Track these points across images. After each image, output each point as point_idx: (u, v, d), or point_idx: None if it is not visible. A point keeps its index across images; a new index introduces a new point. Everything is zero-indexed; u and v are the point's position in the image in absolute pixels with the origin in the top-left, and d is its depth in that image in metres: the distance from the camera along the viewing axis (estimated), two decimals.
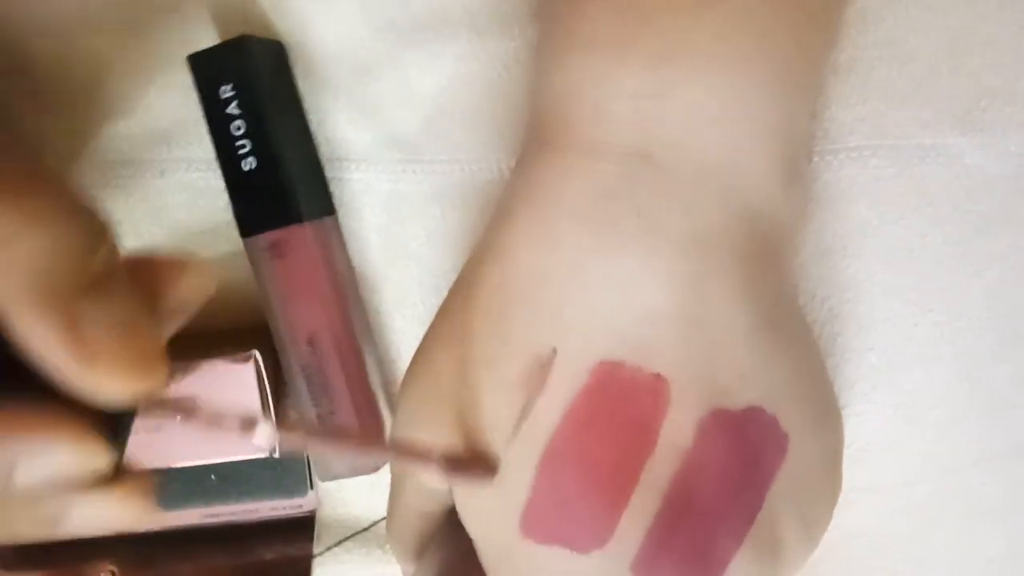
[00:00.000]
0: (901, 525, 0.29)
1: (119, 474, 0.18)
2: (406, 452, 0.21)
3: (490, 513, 0.22)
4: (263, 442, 0.18)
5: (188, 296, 0.19)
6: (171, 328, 0.19)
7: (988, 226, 0.27)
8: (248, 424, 0.18)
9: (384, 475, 0.32)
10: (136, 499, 0.18)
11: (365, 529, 0.33)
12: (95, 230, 0.17)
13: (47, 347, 0.15)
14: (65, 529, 0.18)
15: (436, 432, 0.23)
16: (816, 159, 0.27)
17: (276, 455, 0.29)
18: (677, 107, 0.21)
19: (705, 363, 0.21)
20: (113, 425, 0.17)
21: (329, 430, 0.18)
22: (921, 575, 0.30)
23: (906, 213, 0.27)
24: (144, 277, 0.18)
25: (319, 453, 0.18)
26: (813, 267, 0.27)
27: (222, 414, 0.18)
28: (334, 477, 0.31)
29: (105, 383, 0.16)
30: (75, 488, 0.17)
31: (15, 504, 0.17)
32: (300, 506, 0.33)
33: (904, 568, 0.30)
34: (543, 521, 0.21)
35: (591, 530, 0.21)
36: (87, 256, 0.16)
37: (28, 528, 0.17)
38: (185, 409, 0.18)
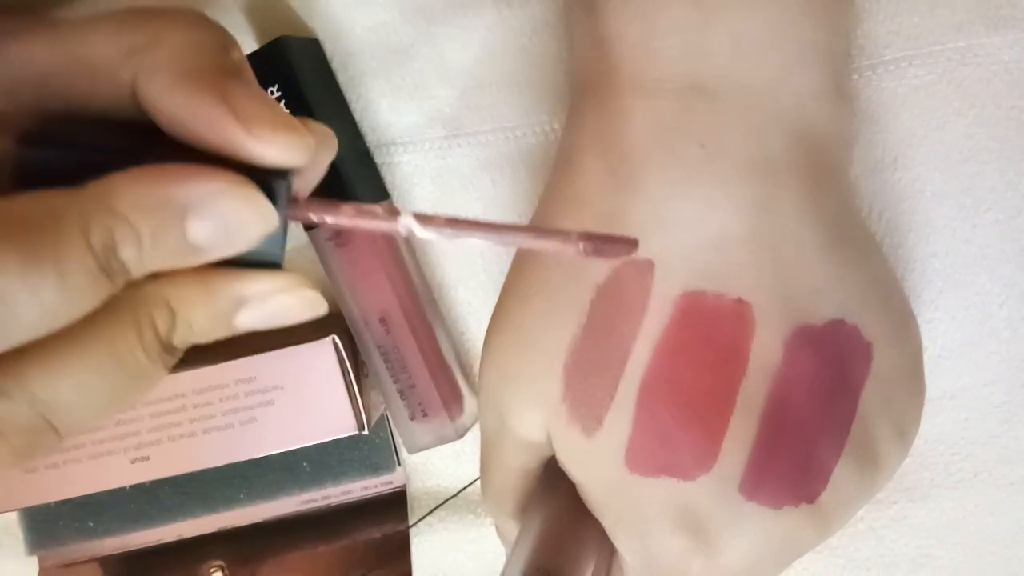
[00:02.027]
0: (983, 427, 0.29)
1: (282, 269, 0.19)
2: (545, 234, 0.21)
3: (593, 455, 0.23)
4: (408, 229, 0.19)
5: None
6: None
7: None
8: (392, 213, 0.19)
9: (467, 443, 0.33)
10: (305, 287, 0.19)
11: (454, 496, 0.34)
12: (224, 34, 0.19)
13: (208, 120, 0.17)
14: (242, 322, 0.18)
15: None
16: (855, 76, 0.27)
17: (365, 432, 0.30)
18: (723, 36, 0.22)
19: (782, 282, 0.22)
20: (272, 196, 0.18)
21: (467, 221, 0.19)
22: (1007, 474, 0.30)
23: (950, 117, 0.27)
24: None
25: (462, 241, 0.19)
26: (866, 182, 0.28)
27: (367, 207, 0.19)
28: (420, 449, 0.32)
29: (266, 145, 0.17)
30: (247, 242, 0.17)
31: (197, 282, 0.18)
32: (390, 482, 0.34)
33: (989, 469, 0.30)
34: (648, 454, 0.22)
35: (696, 456, 0.22)
36: (223, 53, 0.18)
37: (206, 325, 0.18)
38: (330, 207, 0.19)
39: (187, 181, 0.17)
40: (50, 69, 0.18)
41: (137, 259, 0.17)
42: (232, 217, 0.17)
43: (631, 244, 0.21)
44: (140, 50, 0.17)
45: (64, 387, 0.17)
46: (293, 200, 0.18)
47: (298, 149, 0.17)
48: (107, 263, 0.16)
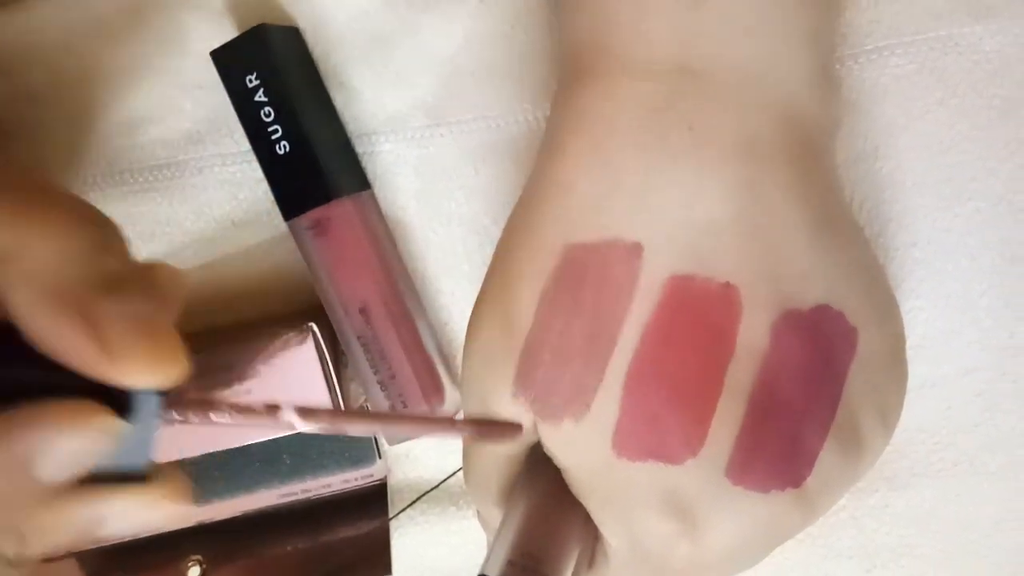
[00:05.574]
0: (965, 415, 0.30)
1: (154, 475, 0.18)
2: (430, 423, 0.21)
3: (580, 440, 0.23)
4: (290, 426, 0.19)
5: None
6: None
7: (1014, 108, 0.27)
8: (272, 409, 0.19)
9: None
10: (172, 497, 0.19)
11: (435, 487, 0.34)
12: (104, 232, 0.18)
13: (70, 347, 0.16)
14: (105, 534, 0.18)
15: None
16: (837, 66, 0.27)
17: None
18: (713, 19, 0.22)
19: (769, 266, 0.22)
20: (133, 408, 0.17)
21: (350, 412, 0.19)
22: (988, 462, 0.30)
23: (931, 107, 0.27)
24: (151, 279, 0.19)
25: (342, 432, 0.19)
26: (847, 172, 0.28)
27: (246, 404, 0.19)
28: (400, 440, 0.31)
29: (127, 373, 0.17)
30: (96, 462, 0.17)
31: (49, 510, 0.17)
32: (371, 475, 0.34)
33: (970, 457, 0.30)
34: (635, 438, 0.22)
35: (683, 440, 0.22)
36: (99, 257, 0.17)
37: (68, 536, 0.18)
38: (206, 409, 0.18)
39: (23, 432, 0.16)
40: None
41: None
42: (77, 447, 0.17)
43: (516, 429, 0.22)
44: (5, 259, 0.17)
45: None
46: (166, 411, 0.18)
47: (163, 376, 0.17)
48: None
